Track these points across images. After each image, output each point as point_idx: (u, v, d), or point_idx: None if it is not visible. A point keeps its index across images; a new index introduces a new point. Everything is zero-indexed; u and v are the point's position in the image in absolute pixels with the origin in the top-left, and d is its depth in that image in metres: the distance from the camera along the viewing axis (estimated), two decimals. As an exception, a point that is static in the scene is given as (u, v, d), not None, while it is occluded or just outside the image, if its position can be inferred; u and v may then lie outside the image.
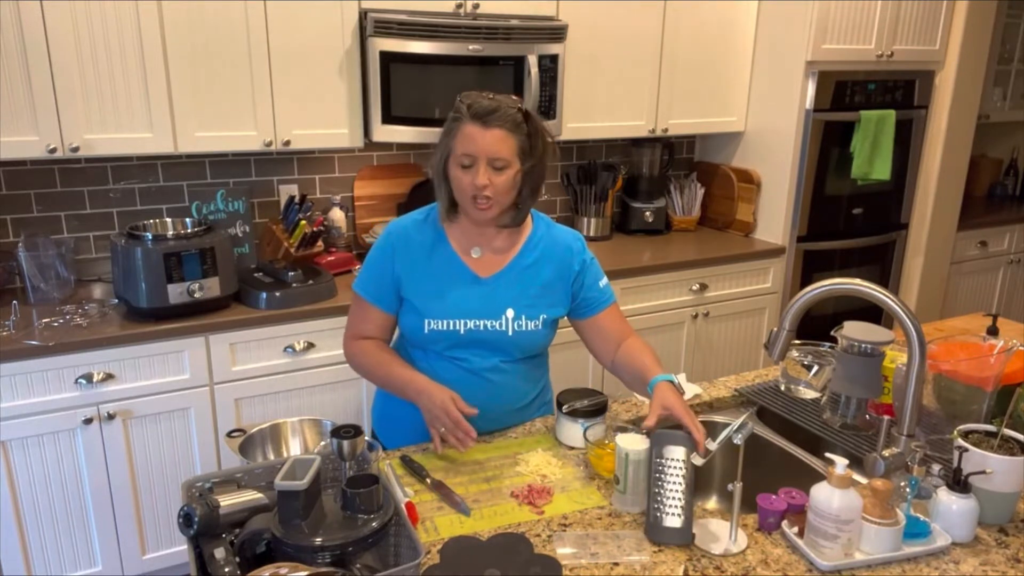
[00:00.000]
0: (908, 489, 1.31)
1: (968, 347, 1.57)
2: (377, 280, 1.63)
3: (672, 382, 1.48)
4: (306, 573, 0.99)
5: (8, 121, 2.20)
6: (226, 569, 1.06)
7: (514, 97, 1.53)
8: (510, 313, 1.59)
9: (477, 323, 1.58)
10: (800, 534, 1.27)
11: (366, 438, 1.29)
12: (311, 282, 2.49)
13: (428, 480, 1.46)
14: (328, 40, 2.55)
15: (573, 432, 1.58)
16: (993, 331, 1.92)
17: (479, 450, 1.60)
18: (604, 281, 1.70)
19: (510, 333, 1.60)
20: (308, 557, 1.05)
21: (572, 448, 1.59)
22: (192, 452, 2.40)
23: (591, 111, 3.07)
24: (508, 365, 1.64)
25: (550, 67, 2.82)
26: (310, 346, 2.46)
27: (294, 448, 1.56)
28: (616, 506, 1.39)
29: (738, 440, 1.26)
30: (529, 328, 1.61)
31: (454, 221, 1.62)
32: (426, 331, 1.59)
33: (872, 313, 3.43)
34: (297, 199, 2.74)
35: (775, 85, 3.28)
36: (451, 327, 1.58)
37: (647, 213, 3.46)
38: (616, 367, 1.66)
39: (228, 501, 1.13)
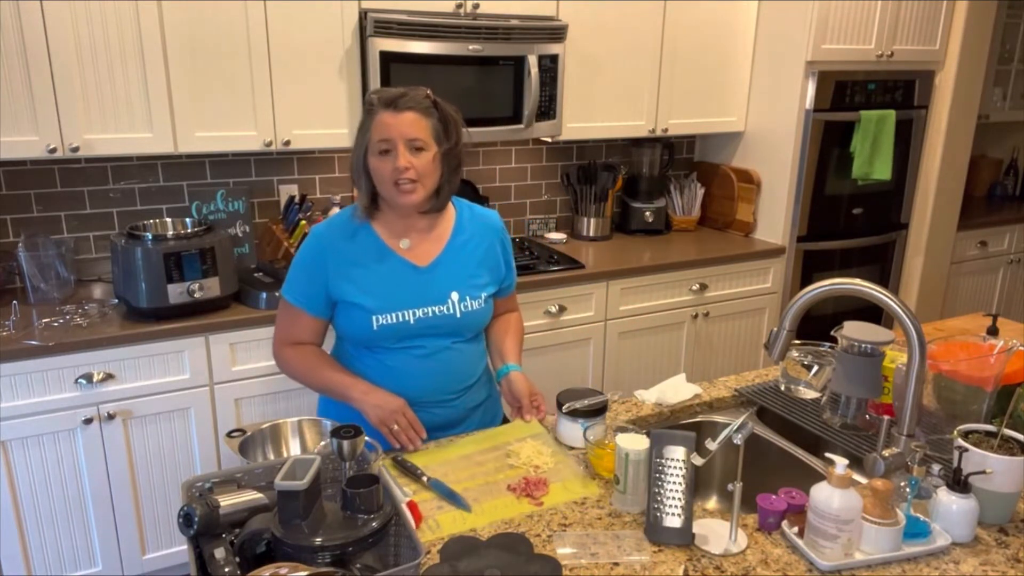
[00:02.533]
0: (908, 489, 1.31)
1: (968, 347, 1.57)
2: (307, 285, 1.63)
3: (519, 371, 1.70)
4: (306, 573, 0.99)
5: (8, 121, 2.20)
6: (226, 569, 1.06)
7: (424, 88, 1.58)
8: (455, 296, 1.64)
9: (425, 311, 1.62)
10: (800, 534, 1.27)
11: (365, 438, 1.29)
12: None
13: (424, 479, 1.47)
14: (328, 40, 2.54)
15: (573, 432, 1.58)
16: (993, 331, 1.92)
17: (471, 442, 1.62)
18: (513, 264, 1.80)
19: (458, 315, 1.64)
20: (308, 557, 1.05)
21: (572, 448, 1.59)
22: (192, 452, 2.40)
23: (591, 111, 3.07)
24: (459, 345, 1.68)
25: (550, 67, 2.82)
26: (310, 346, 2.46)
27: (294, 448, 1.56)
28: (616, 506, 1.39)
29: (738, 440, 1.26)
30: (474, 307, 1.66)
31: (375, 217, 1.64)
32: (375, 328, 1.60)
33: (872, 313, 3.43)
34: (297, 199, 2.75)
35: (775, 85, 3.28)
36: (401, 319, 1.60)
37: (647, 213, 3.46)
38: (486, 332, 1.80)
39: (228, 501, 1.13)
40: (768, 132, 3.35)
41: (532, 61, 2.76)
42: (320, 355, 1.69)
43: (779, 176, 3.33)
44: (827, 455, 1.33)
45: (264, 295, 2.41)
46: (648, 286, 3.03)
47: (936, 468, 1.40)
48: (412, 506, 1.35)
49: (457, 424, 1.73)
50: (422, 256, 1.65)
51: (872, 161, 3.31)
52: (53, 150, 2.25)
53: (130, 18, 2.27)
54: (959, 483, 1.29)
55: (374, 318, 1.59)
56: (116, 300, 2.42)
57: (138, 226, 2.38)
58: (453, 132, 1.58)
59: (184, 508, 1.11)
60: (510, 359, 1.74)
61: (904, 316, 1.33)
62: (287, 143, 2.56)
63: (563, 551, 1.25)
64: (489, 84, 2.75)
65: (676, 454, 1.29)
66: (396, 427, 1.56)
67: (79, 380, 2.19)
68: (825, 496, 1.22)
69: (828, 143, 3.29)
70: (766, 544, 1.29)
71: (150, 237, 2.29)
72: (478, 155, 3.24)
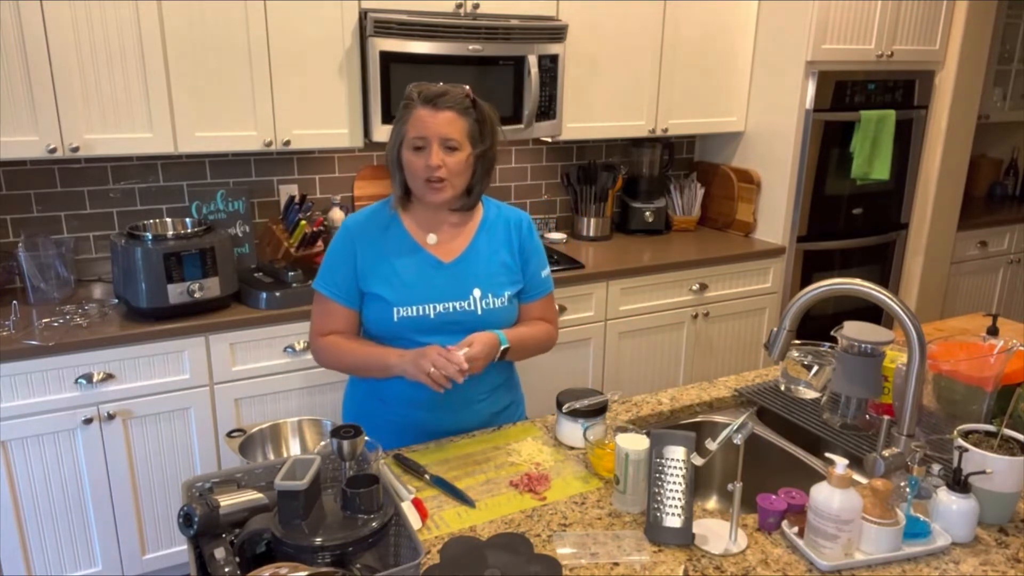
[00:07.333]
0: (908, 489, 1.31)
1: (968, 347, 1.57)
2: (339, 276, 1.65)
3: (495, 334, 1.58)
4: (306, 573, 0.99)
5: (8, 121, 2.20)
6: (226, 569, 1.05)
7: (464, 86, 1.57)
8: (477, 293, 1.63)
9: (446, 306, 1.61)
10: (800, 534, 1.27)
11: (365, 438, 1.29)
12: (311, 282, 2.48)
13: (427, 476, 1.47)
14: (328, 40, 2.55)
15: (573, 432, 1.58)
16: (993, 331, 1.92)
17: (471, 443, 1.62)
18: (546, 272, 1.75)
19: (479, 312, 1.63)
20: (308, 557, 1.05)
21: (572, 448, 1.59)
22: (192, 452, 2.40)
23: (591, 111, 3.07)
24: None
25: (550, 67, 2.82)
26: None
27: (294, 448, 1.56)
28: (616, 506, 1.39)
29: (738, 440, 1.26)
30: (496, 305, 1.65)
31: (407, 209, 1.66)
32: (396, 319, 1.60)
33: (872, 313, 3.43)
34: (297, 199, 2.75)
35: (775, 85, 3.28)
36: (421, 312, 1.60)
37: (647, 213, 3.46)
38: None
39: (228, 501, 1.13)
40: (768, 132, 3.35)
41: (532, 61, 2.76)
42: (352, 337, 1.68)
43: (779, 176, 3.33)
44: (827, 455, 1.33)
45: (264, 295, 2.41)
46: (648, 286, 3.03)
47: (936, 468, 1.40)
48: (417, 503, 1.36)
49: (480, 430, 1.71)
50: (447, 252, 1.65)
51: (871, 161, 3.31)
52: (53, 150, 2.25)
53: (130, 18, 2.27)
54: (959, 483, 1.29)
55: (395, 310, 1.60)
56: (116, 300, 2.42)
57: (138, 226, 2.38)
58: (488, 134, 1.59)
59: (184, 508, 1.11)
60: (505, 333, 1.63)
61: (904, 316, 1.33)
62: (287, 143, 2.56)
63: (563, 551, 1.25)
64: (489, 84, 2.74)
65: (676, 454, 1.29)
66: (432, 369, 1.46)
67: (79, 380, 2.19)
68: (825, 496, 1.22)
69: (828, 143, 3.29)
70: (766, 544, 1.29)
71: (150, 237, 2.29)
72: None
